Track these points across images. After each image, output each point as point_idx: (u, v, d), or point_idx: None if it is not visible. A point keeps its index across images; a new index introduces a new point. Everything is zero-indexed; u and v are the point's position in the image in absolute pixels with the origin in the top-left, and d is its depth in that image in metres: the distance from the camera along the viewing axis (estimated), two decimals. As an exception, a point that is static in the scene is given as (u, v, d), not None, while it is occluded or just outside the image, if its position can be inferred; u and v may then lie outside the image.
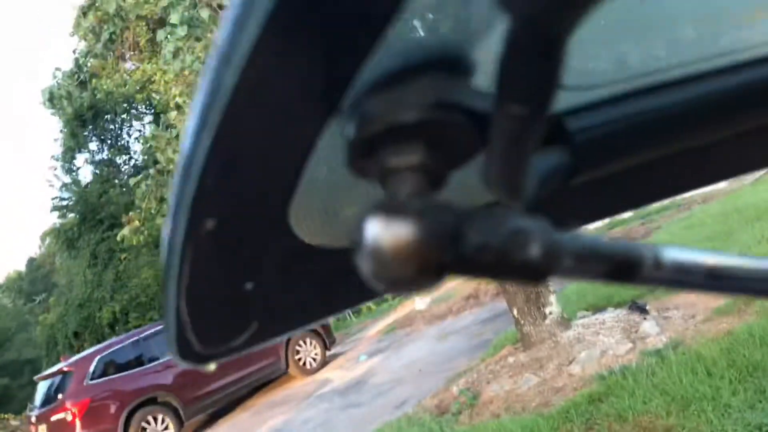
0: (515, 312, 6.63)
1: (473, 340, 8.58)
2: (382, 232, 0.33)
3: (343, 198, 0.50)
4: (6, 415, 22.66)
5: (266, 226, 0.47)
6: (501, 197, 0.42)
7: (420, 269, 0.34)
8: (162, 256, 0.43)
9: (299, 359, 11.24)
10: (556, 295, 6.77)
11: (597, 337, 6.09)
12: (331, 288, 0.55)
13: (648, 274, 0.39)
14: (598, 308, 6.92)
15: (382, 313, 14.91)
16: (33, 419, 10.21)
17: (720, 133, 0.57)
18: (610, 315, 6.51)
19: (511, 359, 6.53)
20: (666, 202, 13.59)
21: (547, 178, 0.47)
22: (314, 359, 11.38)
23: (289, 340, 11.04)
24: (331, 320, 12.94)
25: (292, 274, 0.53)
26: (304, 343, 11.36)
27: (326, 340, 11.71)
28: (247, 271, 0.50)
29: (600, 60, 0.50)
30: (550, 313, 6.50)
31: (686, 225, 10.36)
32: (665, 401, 4.29)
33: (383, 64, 0.36)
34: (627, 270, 0.38)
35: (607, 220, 14.02)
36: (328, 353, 11.73)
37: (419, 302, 13.24)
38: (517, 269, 0.36)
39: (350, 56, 0.34)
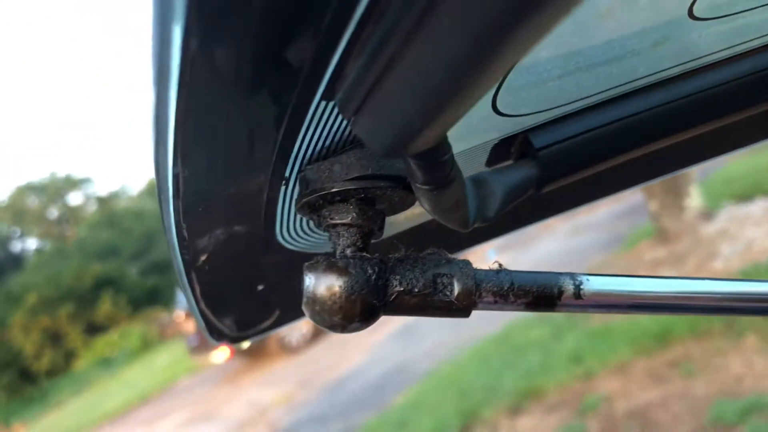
0: (652, 205, 6.30)
1: (607, 235, 8.28)
2: (315, 286, 0.41)
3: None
4: (157, 311, 24.70)
5: (256, 247, 0.54)
6: (453, 228, 0.46)
7: (348, 317, 0.41)
8: (177, 276, 0.51)
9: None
10: (699, 185, 6.35)
11: (742, 230, 5.69)
12: None
13: (569, 304, 0.45)
14: (745, 198, 6.42)
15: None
16: (181, 315, 10.99)
17: (677, 138, 0.61)
18: (758, 205, 6.04)
19: (648, 254, 6.27)
20: None
21: (515, 191, 0.52)
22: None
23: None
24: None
25: (295, 273, 0.57)
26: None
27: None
28: (252, 278, 0.58)
29: (557, 87, 0.52)
30: (691, 206, 6.12)
31: None
32: (818, 298, 3.95)
33: (315, 144, 0.42)
34: (547, 301, 0.45)
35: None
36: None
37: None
38: (442, 308, 0.43)
39: (277, 145, 0.40)
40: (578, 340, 4.97)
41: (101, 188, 57.24)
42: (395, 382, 6.43)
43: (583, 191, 0.76)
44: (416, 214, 0.61)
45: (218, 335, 0.59)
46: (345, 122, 0.41)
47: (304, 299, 0.42)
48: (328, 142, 0.43)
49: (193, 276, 0.50)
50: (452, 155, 0.37)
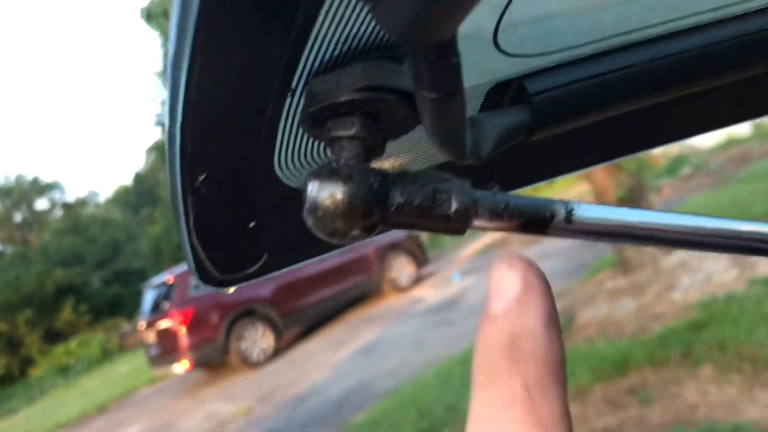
0: (615, 235, 6.39)
1: (571, 263, 8.39)
2: (317, 192, 0.41)
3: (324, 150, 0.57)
4: (118, 320, 24.34)
5: (254, 176, 0.54)
6: (449, 158, 0.48)
7: (350, 224, 0.42)
8: (172, 204, 0.51)
9: (392, 277, 11.37)
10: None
11: (702, 262, 5.81)
12: None
13: (560, 228, 0.46)
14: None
15: (476, 234, 14.81)
16: (143, 325, 10.86)
17: (677, 93, 0.62)
18: (718, 240, 6.16)
19: (609, 283, 6.36)
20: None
21: (508, 134, 0.53)
22: (407, 277, 11.47)
23: (382, 258, 11.24)
24: (424, 238, 13.01)
25: (288, 214, 0.58)
26: (398, 261, 11.47)
27: (419, 258, 11.79)
28: (245, 213, 0.58)
29: (558, 28, 0.54)
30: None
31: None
32: (771, 332, 4.05)
33: (324, 53, 0.42)
34: (539, 224, 0.46)
35: (724, 139, 13.30)
36: (420, 272, 11.79)
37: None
38: (439, 223, 0.44)
39: (288, 47, 0.40)
40: (538, 364, 5.00)
41: (69, 194, 56.39)
42: (356, 400, 6.42)
43: (577, 155, 0.78)
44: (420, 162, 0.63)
45: (205, 275, 0.59)
46: (357, 24, 0.41)
47: (306, 206, 0.42)
48: (337, 51, 0.43)
49: (189, 200, 0.50)
50: (460, 62, 0.37)
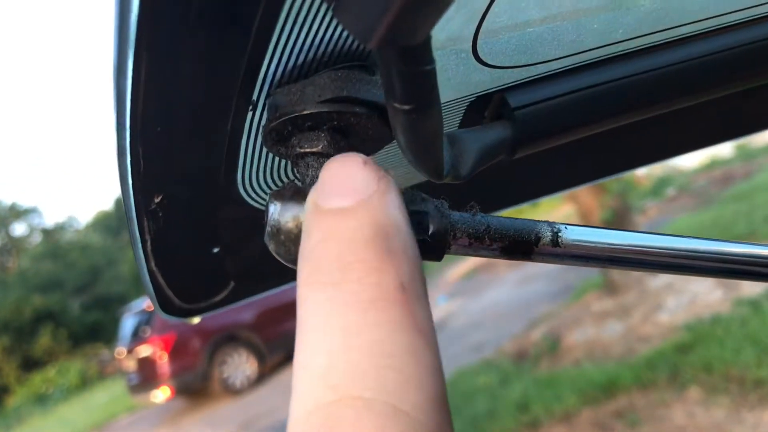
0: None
1: (556, 285, 8.38)
2: (280, 214, 0.37)
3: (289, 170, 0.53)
4: (98, 347, 24.05)
5: (216, 197, 0.50)
6: (425, 177, 0.43)
7: None
8: (127, 227, 0.47)
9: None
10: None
11: (687, 284, 5.82)
12: None
13: (545, 252, 0.43)
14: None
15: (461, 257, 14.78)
16: (122, 352, 10.70)
17: (667, 107, 0.59)
18: (702, 261, 6.19)
19: (595, 305, 6.35)
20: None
21: (489, 152, 0.50)
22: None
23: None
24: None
25: (254, 238, 0.55)
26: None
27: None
28: (208, 237, 0.54)
29: (540, 37, 0.50)
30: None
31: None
32: (757, 352, 4.05)
33: (286, 62, 0.39)
34: (524, 247, 0.43)
35: (707, 160, 13.46)
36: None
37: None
38: (420, 247, 0.37)
39: (246, 53, 0.37)
40: (525, 387, 4.98)
41: (47, 219, 55.90)
42: (340, 426, 6.33)
43: (561, 175, 0.75)
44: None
45: (167, 305, 0.54)
46: (322, 30, 0.38)
47: (268, 229, 0.38)
48: (301, 60, 0.40)
49: (145, 223, 0.45)
50: (435, 70, 0.34)
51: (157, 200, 0.45)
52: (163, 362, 9.63)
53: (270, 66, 0.39)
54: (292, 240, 0.38)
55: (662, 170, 13.77)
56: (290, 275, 0.63)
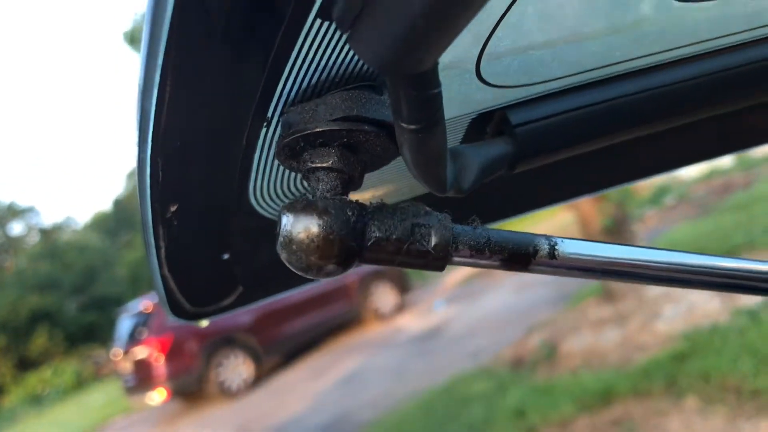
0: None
1: (554, 292, 8.38)
2: (292, 225, 0.40)
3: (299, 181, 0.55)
4: (94, 348, 23.98)
5: (228, 207, 0.53)
6: (429, 190, 0.46)
7: (325, 259, 0.40)
8: (143, 234, 0.49)
9: (374, 305, 11.31)
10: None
11: (686, 292, 5.81)
12: None
13: (543, 264, 0.45)
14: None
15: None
16: (119, 353, 10.68)
17: (664, 126, 0.62)
18: (700, 270, 6.19)
19: (592, 313, 6.34)
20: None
21: (490, 166, 0.52)
22: (390, 306, 11.41)
23: (365, 285, 11.16)
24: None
25: (264, 246, 0.57)
26: (380, 289, 11.42)
27: (402, 286, 11.73)
28: (219, 244, 0.56)
29: (540, 59, 0.52)
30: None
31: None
32: (754, 362, 4.04)
33: (300, 82, 0.41)
34: (522, 259, 0.45)
35: (707, 169, 13.46)
36: (403, 300, 11.74)
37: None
38: (418, 259, 0.43)
39: (263, 75, 0.39)
40: (522, 394, 4.97)
41: (45, 219, 55.82)
42: (337, 431, 6.32)
43: (562, 186, 0.77)
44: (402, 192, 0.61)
45: (177, 309, 0.57)
46: (335, 54, 0.40)
47: (280, 239, 0.41)
48: (314, 80, 0.42)
49: (160, 231, 0.48)
50: (441, 93, 0.36)
51: (172, 209, 0.47)
52: (160, 364, 9.61)
53: (285, 86, 0.41)
54: (303, 250, 0.40)
55: (662, 179, 13.78)
56: (295, 281, 0.66)
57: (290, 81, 0.41)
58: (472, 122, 0.57)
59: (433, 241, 0.43)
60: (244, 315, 10.13)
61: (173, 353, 9.68)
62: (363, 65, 0.43)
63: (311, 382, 8.55)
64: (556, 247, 0.46)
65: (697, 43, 0.58)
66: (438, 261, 0.44)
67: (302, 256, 0.40)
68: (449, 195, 0.49)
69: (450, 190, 0.48)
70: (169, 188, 0.45)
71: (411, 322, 10.34)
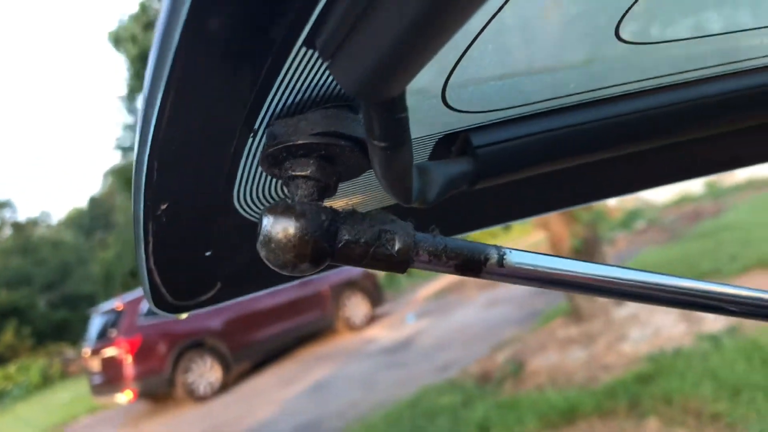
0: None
1: (523, 310, 8.45)
2: (272, 226, 0.46)
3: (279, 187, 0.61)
4: (63, 346, 23.65)
5: (213, 208, 0.58)
6: (396, 200, 0.52)
7: (300, 257, 0.46)
8: (133, 228, 0.54)
9: (346, 315, 11.32)
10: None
11: (652, 316, 5.91)
12: None
13: (492, 271, 0.51)
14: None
15: (433, 276, 14.85)
16: (87, 352, 10.57)
17: (613, 153, 0.68)
18: (668, 295, 6.29)
19: (560, 332, 6.41)
20: (740, 181, 13.11)
21: (453, 182, 0.58)
22: (361, 316, 11.44)
23: (337, 295, 11.18)
24: (380, 277, 13.02)
25: (243, 246, 0.62)
26: (353, 299, 11.44)
27: (374, 298, 11.77)
28: (203, 242, 0.61)
29: (501, 89, 0.59)
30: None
31: (758, 206, 9.95)
32: (715, 387, 4.13)
33: (285, 99, 0.47)
34: (474, 266, 0.51)
35: (678, 196, 13.64)
36: (375, 311, 11.77)
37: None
38: (382, 261, 0.49)
39: (254, 91, 0.44)
40: (487, 409, 5.01)
41: (20, 213, 55.04)
42: (303, 439, 6.32)
43: (525, 203, 0.83)
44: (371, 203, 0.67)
45: (159, 300, 0.62)
46: (317, 77, 0.45)
47: (260, 238, 0.46)
48: (298, 98, 0.47)
49: (150, 226, 0.53)
50: (407, 117, 0.42)
51: (163, 207, 0.52)
52: (128, 364, 9.53)
53: (272, 102, 0.47)
54: (281, 248, 0.46)
55: (633, 203, 13.95)
56: (272, 280, 0.72)
57: (276, 98, 0.46)
58: (438, 142, 0.64)
59: (397, 245, 0.48)
60: (214, 319, 10.12)
61: (141, 354, 9.60)
62: (341, 88, 0.48)
63: (280, 390, 8.53)
64: (505, 257, 0.52)
65: (644, 80, 0.64)
66: (400, 264, 0.49)
67: (279, 254, 0.46)
68: (414, 206, 0.54)
69: (415, 202, 0.54)
70: (162, 188, 0.50)
71: (382, 333, 10.36)
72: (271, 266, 0.47)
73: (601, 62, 0.60)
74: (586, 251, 6.50)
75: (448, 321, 9.61)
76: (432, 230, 0.52)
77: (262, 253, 0.47)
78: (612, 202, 13.50)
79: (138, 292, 10.48)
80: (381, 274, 14.58)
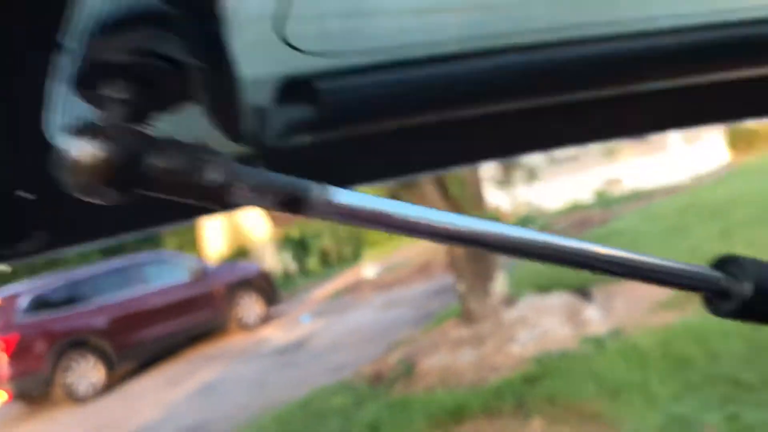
0: (461, 286, 6.59)
1: (418, 311, 8.54)
2: (74, 147, 0.41)
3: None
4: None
5: (17, 138, 0.54)
6: (225, 137, 0.49)
7: (103, 181, 0.41)
8: None
9: (239, 315, 11.12)
10: (505, 274, 6.74)
11: (540, 318, 6.08)
12: (128, 207, 0.56)
13: (316, 208, 0.47)
14: (544, 289, 6.88)
15: (329, 276, 14.83)
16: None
17: (463, 110, 0.66)
18: (555, 298, 6.49)
19: (452, 333, 6.50)
20: (628, 192, 13.75)
21: (294, 127, 0.57)
22: (255, 316, 11.26)
23: (230, 294, 10.98)
24: (274, 276, 12.91)
25: (59, 184, 0.54)
26: (246, 299, 11.24)
27: (269, 297, 11.62)
28: (8, 180, 0.55)
29: (356, 28, 0.56)
30: (496, 291, 6.47)
31: (644, 216, 10.44)
32: (597, 387, 4.29)
33: (96, 13, 0.43)
34: (296, 202, 0.47)
35: (568, 204, 14.16)
36: (269, 311, 11.61)
37: (369, 270, 13.19)
38: (199, 191, 0.44)
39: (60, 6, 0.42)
40: (378, 410, 5.03)
41: None
42: (188, 442, 6.16)
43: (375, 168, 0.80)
44: None
45: None
46: None
47: (66, 162, 0.42)
48: (114, 13, 0.43)
49: None
50: (224, 35, 0.40)
51: None
52: (3, 364, 9.03)
53: (81, 16, 0.43)
54: (86, 172, 0.41)
55: (527, 209, 14.40)
56: (107, 229, 0.66)
57: (86, 12, 0.43)
58: (282, 86, 0.60)
59: (215, 176, 0.44)
60: (99, 318, 9.74)
61: (18, 353, 9.11)
62: (161, 6, 0.44)
63: (166, 391, 8.29)
64: (330, 195, 0.48)
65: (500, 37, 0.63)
66: (219, 196, 0.45)
67: (81, 180, 0.41)
68: (249, 148, 0.51)
69: (249, 141, 0.51)
70: None
71: (275, 334, 10.24)
72: (75, 193, 0.42)
73: (455, 11, 0.58)
74: (474, 259, 6.57)
75: (343, 322, 9.60)
76: (257, 165, 0.48)
77: (65, 178, 0.42)
78: (505, 208, 13.88)
79: (16, 287, 9.99)
80: (277, 273, 14.44)
